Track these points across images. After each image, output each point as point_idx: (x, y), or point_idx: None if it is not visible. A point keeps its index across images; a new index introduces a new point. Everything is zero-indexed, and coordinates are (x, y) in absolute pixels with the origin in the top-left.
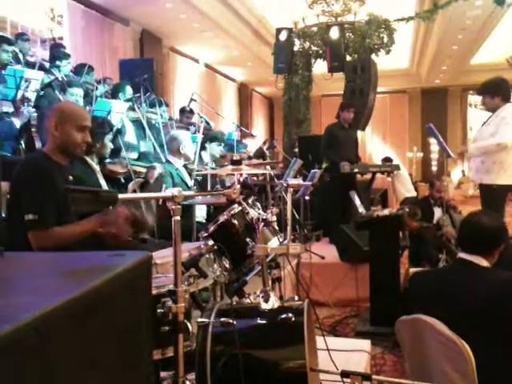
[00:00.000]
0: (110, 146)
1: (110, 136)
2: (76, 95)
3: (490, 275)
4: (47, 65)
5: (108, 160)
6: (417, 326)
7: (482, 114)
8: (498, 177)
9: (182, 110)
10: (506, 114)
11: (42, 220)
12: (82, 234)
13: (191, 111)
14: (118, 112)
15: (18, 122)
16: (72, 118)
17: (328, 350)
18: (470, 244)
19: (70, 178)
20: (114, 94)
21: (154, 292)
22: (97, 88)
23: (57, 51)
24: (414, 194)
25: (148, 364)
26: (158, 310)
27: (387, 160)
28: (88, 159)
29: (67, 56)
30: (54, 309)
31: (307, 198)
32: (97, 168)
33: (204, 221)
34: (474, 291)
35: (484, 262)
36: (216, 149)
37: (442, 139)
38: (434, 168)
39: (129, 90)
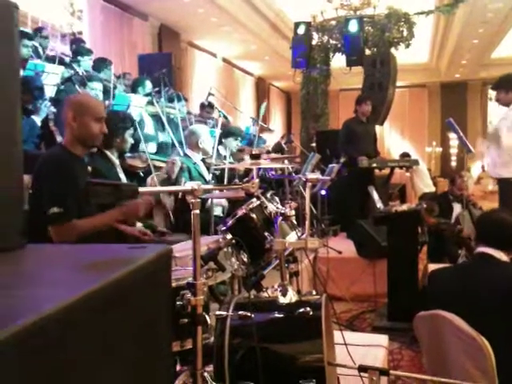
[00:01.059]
0: (130, 140)
1: (130, 131)
2: (96, 89)
3: (511, 270)
4: (67, 59)
5: (128, 154)
6: (435, 321)
7: (502, 108)
8: None
9: (203, 105)
10: None
11: (66, 213)
12: (101, 227)
13: (211, 106)
14: (137, 106)
15: (38, 120)
16: (90, 110)
17: (345, 344)
18: (491, 238)
19: (89, 169)
20: (133, 88)
21: (174, 285)
22: (116, 86)
23: (79, 46)
24: (433, 189)
25: (168, 356)
26: (177, 303)
27: (405, 155)
28: (108, 153)
29: (90, 52)
30: (76, 301)
31: (323, 192)
32: (116, 162)
33: (222, 215)
34: (496, 285)
35: (504, 257)
36: (232, 143)
37: (462, 134)
38: (454, 163)
39: (148, 85)
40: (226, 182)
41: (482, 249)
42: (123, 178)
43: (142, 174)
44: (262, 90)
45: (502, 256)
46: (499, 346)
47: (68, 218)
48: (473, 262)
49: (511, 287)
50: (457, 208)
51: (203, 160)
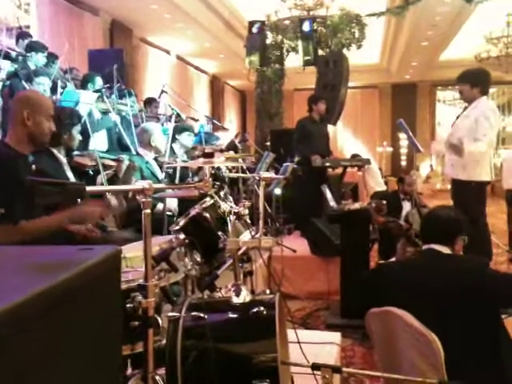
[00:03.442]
0: (78, 137)
1: (78, 127)
2: (43, 85)
3: (460, 262)
4: (13, 53)
5: (76, 152)
6: (386, 318)
7: (450, 109)
8: (475, 173)
9: (149, 101)
10: (484, 109)
11: (9, 214)
12: (50, 229)
13: (157, 100)
14: (87, 103)
15: None
16: (43, 108)
17: (299, 342)
18: (433, 235)
19: (33, 167)
20: (83, 84)
21: (124, 287)
22: (65, 83)
23: (33, 42)
24: (384, 187)
25: (117, 359)
26: (128, 305)
27: (355, 157)
28: (55, 151)
29: (44, 48)
30: (21, 303)
31: (277, 191)
32: (64, 160)
33: (176, 207)
34: (449, 279)
35: (448, 252)
36: (187, 139)
37: (411, 134)
38: (404, 163)
39: (99, 81)
40: (178, 181)
41: (428, 245)
42: (71, 177)
43: (91, 172)
44: (216, 88)
45: (447, 251)
46: (448, 338)
47: (10, 219)
48: (421, 257)
49: (463, 280)
50: (406, 206)
51: (155, 159)
